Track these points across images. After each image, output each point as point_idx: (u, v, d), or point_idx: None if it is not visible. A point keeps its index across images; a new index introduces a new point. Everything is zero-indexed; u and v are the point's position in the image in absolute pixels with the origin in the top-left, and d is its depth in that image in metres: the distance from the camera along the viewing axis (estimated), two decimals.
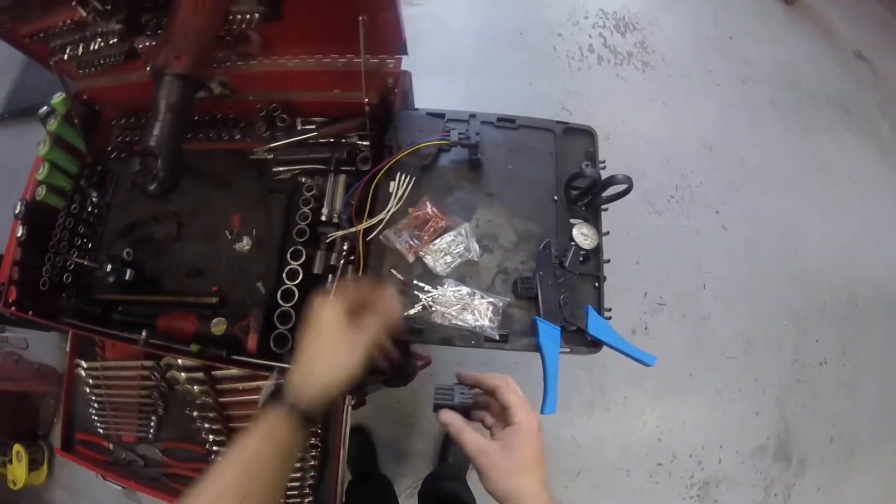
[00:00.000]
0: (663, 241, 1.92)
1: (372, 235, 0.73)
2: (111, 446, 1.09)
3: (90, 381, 1.10)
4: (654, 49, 2.36)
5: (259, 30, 0.81)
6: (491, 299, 0.69)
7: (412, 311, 0.69)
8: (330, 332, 0.52)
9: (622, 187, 0.74)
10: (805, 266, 1.98)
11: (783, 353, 1.83)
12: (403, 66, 0.84)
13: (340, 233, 0.74)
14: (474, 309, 0.68)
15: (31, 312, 0.96)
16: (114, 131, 1.14)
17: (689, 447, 1.66)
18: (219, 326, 0.81)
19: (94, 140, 1.11)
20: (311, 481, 0.87)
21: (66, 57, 0.95)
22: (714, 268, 1.92)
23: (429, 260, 0.71)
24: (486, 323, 0.68)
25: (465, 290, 0.69)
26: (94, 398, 1.09)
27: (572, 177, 0.81)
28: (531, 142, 0.87)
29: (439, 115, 0.84)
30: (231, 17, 0.75)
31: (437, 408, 0.54)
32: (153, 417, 1.02)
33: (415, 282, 0.70)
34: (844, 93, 2.46)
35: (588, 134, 0.91)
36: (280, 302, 0.78)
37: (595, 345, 0.71)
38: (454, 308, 0.68)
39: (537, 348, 0.68)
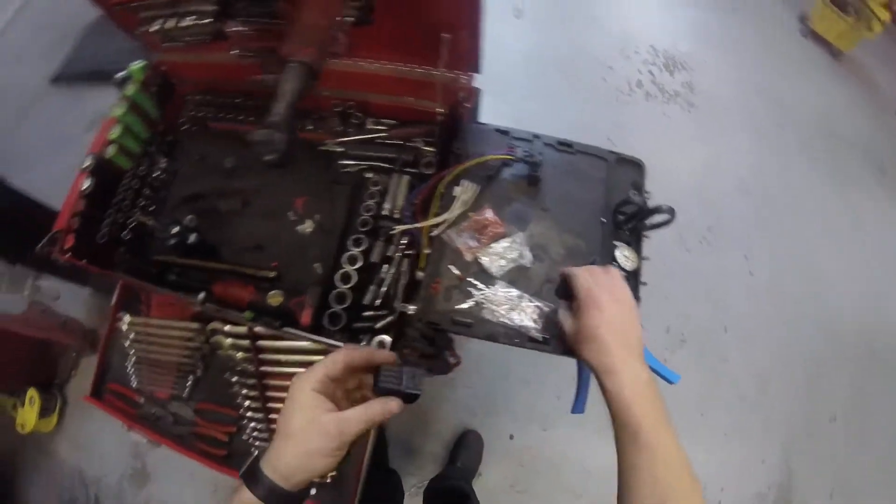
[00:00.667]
0: (692, 278, 1.97)
1: (435, 233, 0.79)
2: (142, 400, 1.15)
3: (132, 335, 1.17)
4: (700, 90, 2.44)
5: (348, 32, 0.89)
6: (538, 304, 0.75)
7: (464, 306, 0.75)
8: (301, 413, 0.48)
9: (665, 217, 0.80)
10: (826, 314, 2.02)
11: (795, 401, 1.86)
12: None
13: (406, 227, 0.81)
14: (522, 310, 0.74)
15: (85, 261, 1.01)
16: (187, 106, 1.22)
17: None
18: (275, 298, 0.88)
19: (166, 111, 1.19)
20: (333, 472, 0.92)
21: (152, 29, 1.03)
22: (737, 310, 1.97)
23: (485, 261, 0.77)
24: (531, 324, 0.74)
25: (514, 292, 0.75)
26: (132, 352, 1.16)
27: (621, 202, 0.87)
28: (585, 166, 0.94)
29: (504, 132, 0.91)
30: None
31: (382, 390, 0.51)
32: (191, 377, 1.08)
33: (469, 279, 0.77)
34: (881, 149, 2.52)
35: (637, 165, 0.98)
36: (338, 283, 0.84)
37: None
38: (503, 307, 0.74)
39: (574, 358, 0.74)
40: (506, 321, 0.74)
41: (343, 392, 0.53)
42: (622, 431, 0.53)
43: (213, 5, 0.89)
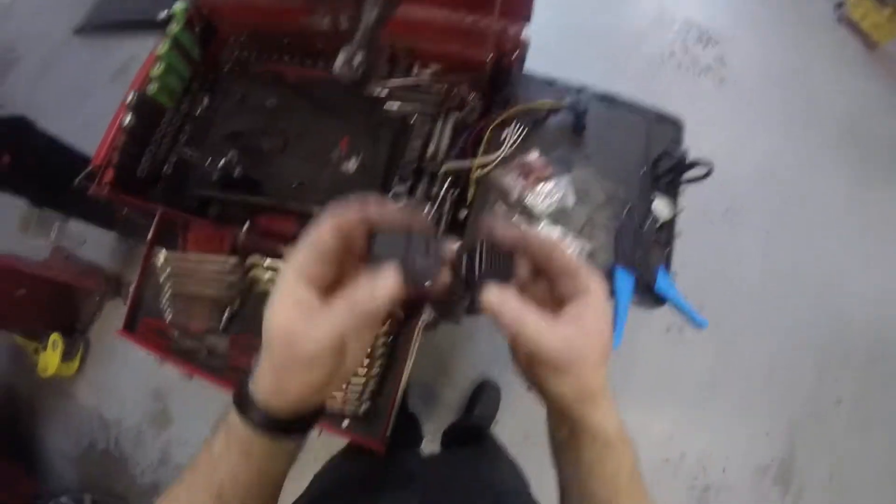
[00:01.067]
0: (710, 252, 2.00)
1: (483, 172, 0.82)
2: (176, 334, 1.19)
3: (167, 270, 1.20)
4: (732, 66, 2.43)
5: None
6: (579, 243, 0.78)
7: None
8: (282, 315, 0.34)
9: (703, 171, 0.83)
10: (839, 307, 2.04)
11: (803, 384, 1.91)
12: None
13: (456, 163, 0.84)
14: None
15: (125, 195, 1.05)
16: (229, 47, 1.24)
17: (697, 452, 1.75)
18: None
19: (207, 51, 1.21)
20: (372, 386, 0.97)
21: None
22: (753, 288, 2.00)
23: (530, 200, 0.80)
24: None
25: (557, 231, 0.79)
26: (167, 287, 1.20)
27: (661, 155, 0.90)
28: (627, 120, 0.96)
29: (551, 82, 0.93)
30: None
31: (376, 260, 0.35)
32: (227, 310, 1.12)
33: (514, 218, 0.80)
34: None
35: (675, 124, 1.00)
36: None
37: (658, 300, 0.81)
38: None
39: (610, 293, 0.78)
40: None
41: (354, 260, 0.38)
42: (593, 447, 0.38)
43: None
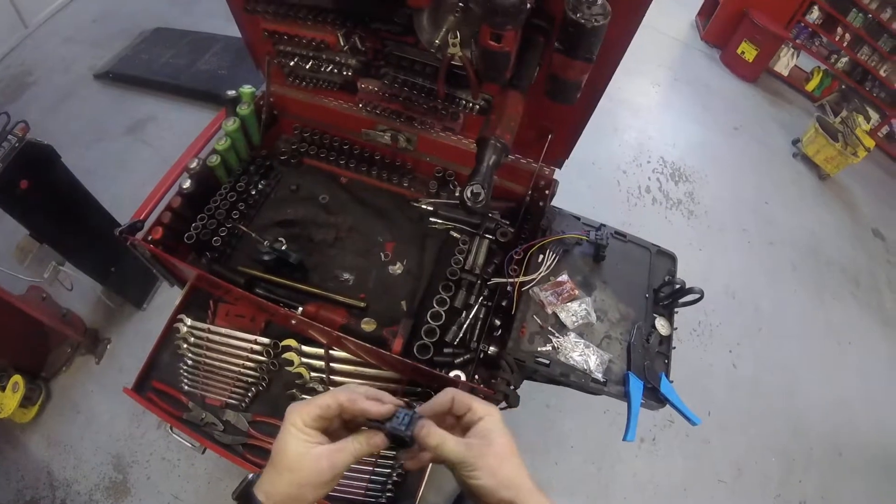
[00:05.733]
0: (680, 367, 2.23)
1: (525, 288, 1.01)
2: (190, 404, 1.22)
3: (191, 338, 1.27)
4: (700, 201, 2.92)
5: (467, 116, 1.14)
6: (600, 353, 0.97)
7: (543, 349, 0.97)
8: (294, 445, 0.52)
9: (696, 296, 1.06)
10: (799, 412, 2.30)
11: (769, 487, 2.09)
12: None
13: (500, 279, 1.03)
14: (587, 357, 0.97)
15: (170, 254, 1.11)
16: (286, 140, 1.42)
17: None
18: (370, 325, 1.05)
19: (265, 138, 1.38)
20: (395, 478, 1.07)
21: (281, 61, 1.18)
22: (719, 399, 2.23)
23: (562, 315, 1.00)
24: (594, 368, 0.96)
25: (582, 342, 0.98)
26: (189, 355, 1.25)
27: (663, 283, 1.13)
28: (634, 253, 1.20)
29: (577, 217, 1.17)
30: (458, 99, 1.08)
31: (372, 425, 0.55)
32: (253, 389, 1.19)
33: (548, 328, 0.99)
34: (858, 265, 2.97)
35: (671, 257, 1.25)
36: (429, 321, 1.03)
37: (661, 402, 0.99)
38: (573, 353, 0.97)
39: (625, 395, 0.96)
40: (575, 364, 0.96)
41: (340, 422, 0.57)
42: None
43: (357, 62, 1.13)
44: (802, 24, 4.02)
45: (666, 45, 4.21)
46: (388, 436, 0.55)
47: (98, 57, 2.99)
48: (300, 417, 0.54)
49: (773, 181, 3.19)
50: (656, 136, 3.23)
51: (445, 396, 0.57)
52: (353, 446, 0.54)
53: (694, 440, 2.10)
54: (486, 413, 0.55)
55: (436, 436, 0.53)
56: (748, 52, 3.91)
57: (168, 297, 2.24)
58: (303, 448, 0.52)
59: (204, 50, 2.87)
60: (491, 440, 0.53)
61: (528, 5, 0.73)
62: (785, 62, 4.12)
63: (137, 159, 2.59)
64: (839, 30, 3.90)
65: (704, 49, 4.28)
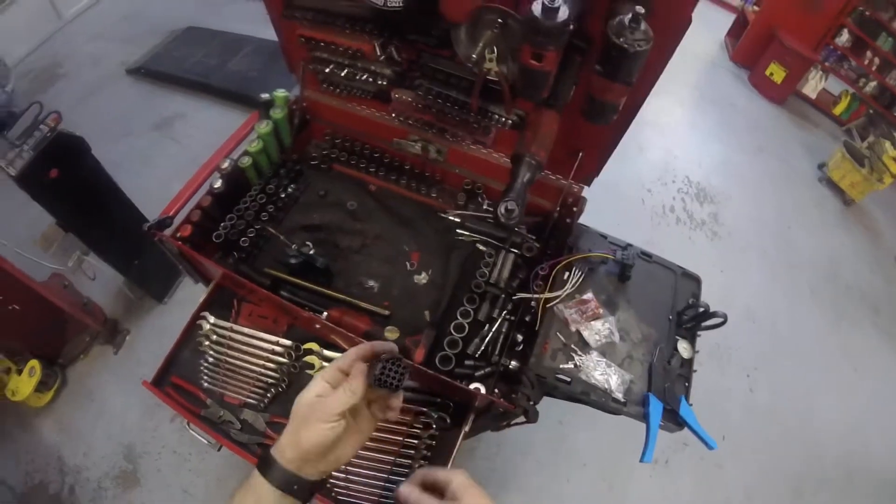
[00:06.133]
0: (698, 390, 2.21)
1: (550, 304, 1.02)
2: (208, 401, 1.24)
3: (213, 336, 1.29)
4: (724, 222, 2.88)
5: (498, 130, 1.15)
6: (621, 373, 0.97)
7: (565, 366, 0.97)
8: (307, 395, 0.58)
9: (719, 321, 1.06)
10: (813, 438, 2.26)
11: None
12: None
13: (526, 294, 1.03)
14: (608, 376, 0.96)
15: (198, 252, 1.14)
16: (316, 145, 1.44)
17: None
18: (393, 332, 1.07)
19: (297, 142, 1.40)
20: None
21: (316, 67, 1.19)
22: (735, 423, 2.20)
23: (585, 333, 1.00)
24: (615, 388, 0.96)
25: (604, 361, 0.98)
26: (210, 353, 1.27)
27: (686, 306, 1.13)
28: (658, 274, 1.20)
29: (603, 236, 1.17)
30: (490, 114, 1.09)
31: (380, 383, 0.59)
32: (272, 390, 1.21)
33: (571, 345, 0.99)
34: (878, 292, 2.92)
35: (696, 280, 1.24)
36: (452, 332, 1.04)
37: (679, 424, 0.99)
38: (595, 372, 0.97)
39: (644, 416, 0.96)
40: (596, 383, 0.96)
41: (365, 403, 0.63)
42: None
43: (392, 72, 1.15)
44: (832, 47, 3.97)
45: (694, 64, 4.21)
46: (376, 380, 0.59)
47: (128, 53, 3.07)
48: (321, 376, 0.59)
49: (797, 204, 3.16)
50: (682, 156, 3.22)
51: (429, 475, 0.64)
52: (349, 385, 0.58)
53: (707, 464, 2.08)
54: (452, 477, 0.61)
55: (415, 495, 0.61)
56: (777, 73, 3.88)
57: (189, 292, 2.28)
58: (314, 398, 0.57)
59: (235, 51, 2.93)
60: (460, 496, 0.59)
61: (570, 27, 0.74)
62: (813, 85, 4.08)
63: (164, 155, 2.65)
64: (868, 53, 3.85)
65: (733, 69, 4.27)
